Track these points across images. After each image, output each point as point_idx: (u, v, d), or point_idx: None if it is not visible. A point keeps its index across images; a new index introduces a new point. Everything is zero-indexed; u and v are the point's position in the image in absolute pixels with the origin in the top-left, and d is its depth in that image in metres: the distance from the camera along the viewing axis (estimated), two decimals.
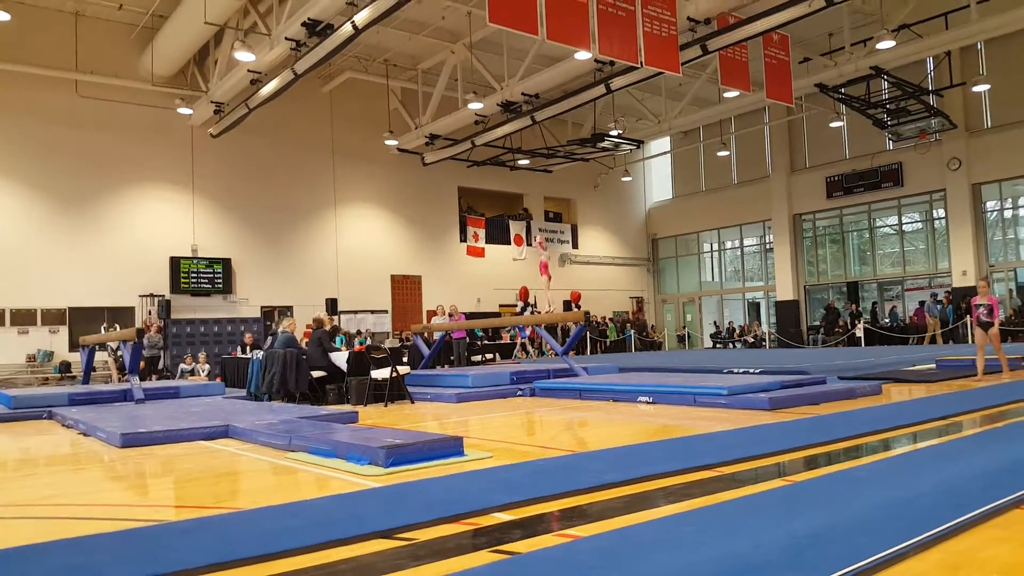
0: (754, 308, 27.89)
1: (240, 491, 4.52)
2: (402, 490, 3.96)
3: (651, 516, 3.22)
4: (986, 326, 9.89)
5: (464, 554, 2.82)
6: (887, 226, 24.38)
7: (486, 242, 24.89)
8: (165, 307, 18.10)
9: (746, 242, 27.92)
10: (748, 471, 4.19)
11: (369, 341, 16.74)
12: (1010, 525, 2.87)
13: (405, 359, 13.17)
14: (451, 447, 4.97)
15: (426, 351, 13.61)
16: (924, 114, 19.87)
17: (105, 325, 16.08)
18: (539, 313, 15.79)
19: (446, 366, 15.71)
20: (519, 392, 9.99)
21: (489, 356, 20.01)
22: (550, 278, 15.44)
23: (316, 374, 10.02)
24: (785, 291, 25.37)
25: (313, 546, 2.88)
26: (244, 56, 14.71)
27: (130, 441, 6.26)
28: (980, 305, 10.00)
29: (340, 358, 10.33)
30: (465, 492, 3.73)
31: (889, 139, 22.24)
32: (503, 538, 2.99)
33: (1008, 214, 21.58)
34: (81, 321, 17.09)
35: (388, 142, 21.20)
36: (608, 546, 2.71)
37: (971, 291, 20.46)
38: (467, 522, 3.24)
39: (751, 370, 10.66)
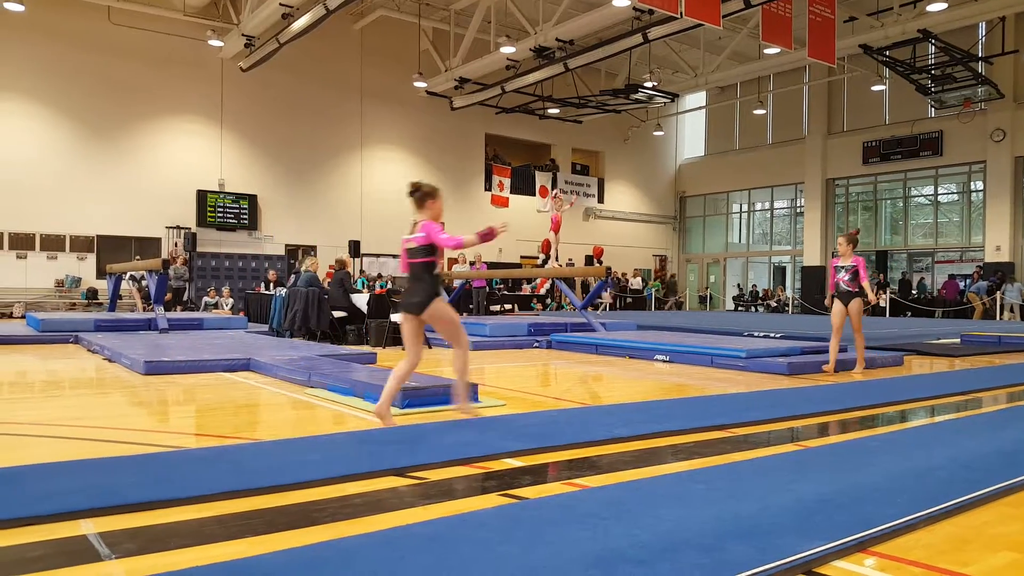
0: (779, 272, 27.56)
1: (259, 423, 4.62)
2: (416, 431, 4.02)
3: (660, 472, 3.24)
4: (847, 297, 7.26)
5: (473, 496, 2.87)
6: (922, 196, 23.76)
7: (511, 192, 24.67)
8: (191, 240, 18.30)
9: (776, 204, 27.40)
10: (761, 434, 4.19)
11: (390, 285, 16.86)
12: None
13: None
14: None
15: (445, 298, 13.66)
16: (971, 82, 19.09)
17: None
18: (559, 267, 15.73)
19: (464, 314, 15.79)
20: (536, 344, 10.06)
21: (508, 307, 20.07)
22: (555, 231, 15.27)
23: (337, 314, 10.14)
24: (813, 256, 24.98)
25: (328, 479, 2.95)
26: None
27: (153, 369, 6.41)
28: (841, 268, 7.30)
29: (361, 300, 10.44)
30: (477, 437, 3.77)
31: (931, 106, 21.46)
32: (512, 483, 3.03)
33: None
34: (108, 249, 17.38)
35: (417, 84, 20.88)
36: (616, 497, 2.74)
37: (1005, 267, 20.03)
38: (478, 466, 3.29)
39: (772, 334, 10.59)
